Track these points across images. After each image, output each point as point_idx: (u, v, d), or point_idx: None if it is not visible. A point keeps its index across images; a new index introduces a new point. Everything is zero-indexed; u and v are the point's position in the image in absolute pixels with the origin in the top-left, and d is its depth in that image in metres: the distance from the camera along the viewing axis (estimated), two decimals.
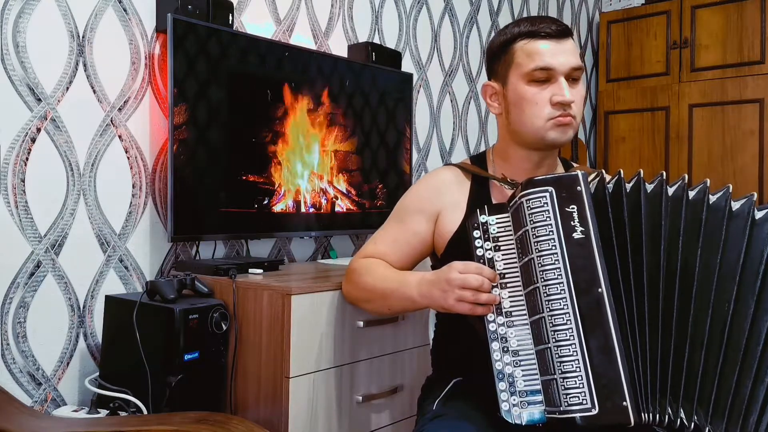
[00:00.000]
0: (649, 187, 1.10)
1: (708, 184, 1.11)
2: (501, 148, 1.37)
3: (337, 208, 2.21)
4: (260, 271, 1.78)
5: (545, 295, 1.06)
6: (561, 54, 1.24)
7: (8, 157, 1.59)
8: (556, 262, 1.06)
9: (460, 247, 1.24)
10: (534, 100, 1.25)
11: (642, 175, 1.10)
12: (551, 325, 1.05)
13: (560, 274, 1.05)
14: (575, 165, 1.43)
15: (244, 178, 1.92)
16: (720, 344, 1.06)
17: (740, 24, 3.30)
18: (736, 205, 1.09)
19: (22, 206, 1.61)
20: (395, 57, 2.49)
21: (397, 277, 1.30)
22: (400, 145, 2.45)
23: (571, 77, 1.25)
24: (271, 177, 1.99)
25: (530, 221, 1.08)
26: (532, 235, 1.08)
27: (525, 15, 3.35)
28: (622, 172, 1.11)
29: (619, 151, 3.70)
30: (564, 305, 1.05)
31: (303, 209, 2.09)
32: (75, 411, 1.54)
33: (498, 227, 1.14)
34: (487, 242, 1.14)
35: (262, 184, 1.97)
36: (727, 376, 1.05)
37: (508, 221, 1.14)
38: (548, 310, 1.06)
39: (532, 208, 1.08)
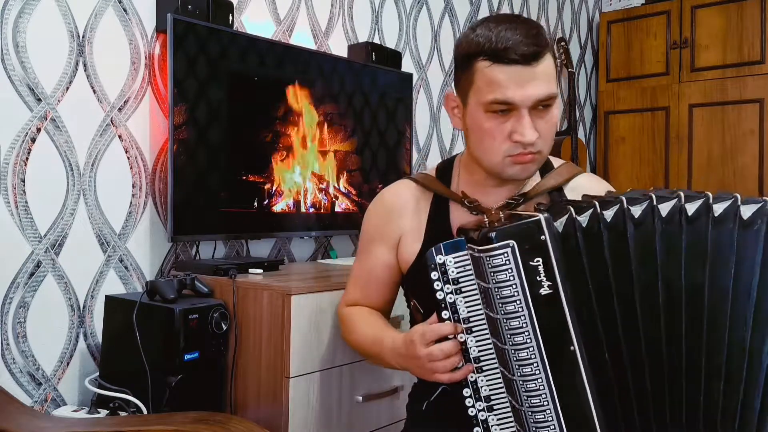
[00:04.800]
0: (636, 211, 0.97)
1: (711, 200, 0.98)
2: (467, 162, 1.25)
3: (337, 208, 2.21)
4: (260, 271, 1.78)
5: (515, 359, 0.99)
6: (527, 85, 1.06)
7: (8, 157, 1.59)
8: (524, 325, 0.98)
9: (419, 278, 1.15)
10: (491, 134, 1.10)
11: (625, 204, 0.98)
12: (524, 390, 1.00)
13: (529, 338, 0.98)
14: (553, 159, 1.30)
15: (244, 178, 1.92)
16: (740, 372, 0.97)
17: (740, 24, 3.30)
18: (746, 213, 0.97)
19: (22, 206, 1.61)
20: (395, 57, 2.49)
21: (375, 339, 1.23)
22: (400, 145, 2.45)
23: (541, 105, 1.09)
24: (271, 177, 1.99)
25: (493, 280, 0.98)
26: (496, 295, 0.98)
27: (525, 15, 3.35)
28: (598, 205, 0.98)
29: (619, 151, 3.70)
30: (535, 370, 0.98)
31: (303, 209, 2.09)
32: (75, 411, 1.54)
33: (457, 267, 1.04)
34: (447, 285, 1.05)
35: (262, 184, 1.97)
36: (750, 406, 0.98)
37: (468, 260, 1.04)
38: (519, 374, 0.99)
39: (494, 266, 0.97)
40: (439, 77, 2.86)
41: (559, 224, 0.98)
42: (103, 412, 1.51)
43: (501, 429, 1.05)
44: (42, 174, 1.64)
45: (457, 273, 1.04)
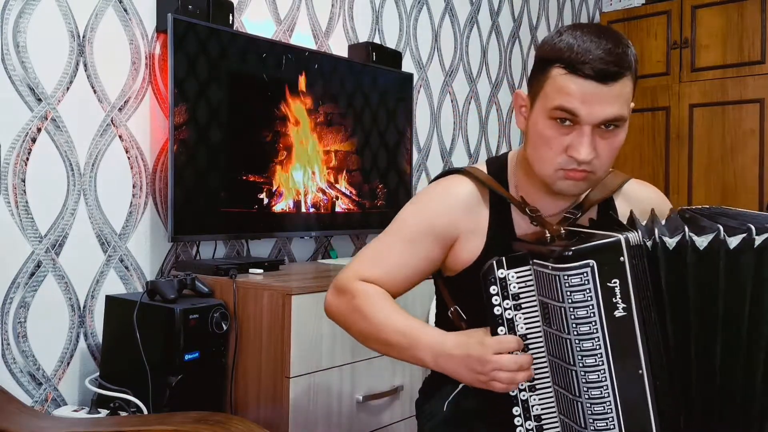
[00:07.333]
0: (732, 243, 0.93)
1: None
2: (523, 161, 1.19)
3: (337, 208, 2.21)
4: (260, 271, 1.78)
5: (584, 380, 0.97)
6: (596, 103, 1.02)
7: (8, 157, 1.59)
8: (598, 347, 0.96)
9: (470, 284, 1.12)
10: (549, 143, 1.06)
11: (722, 235, 0.93)
12: (590, 412, 0.97)
13: (601, 360, 0.96)
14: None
15: (244, 178, 1.92)
16: None
17: (740, 24, 3.30)
18: None
19: (23, 206, 1.61)
20: (395, 57, 2.49)
21: (406, 329, 1.11)
22: (401, 145, 2.45)
23: (606, 125, 1.06)
24: (272, 177, 1.99)
25: (569, 299, 0.95)
26: (571, 315, 0.96)
27: (525, 16, 3.35)
28: (687, 230, 0.95)
29: (618, 151, 3.69)
30: (604, 393, 0.96)
31: (303, 209, 2.09)
32: (75, 411, 1.55)
33: (518, 283, 1.02)
34: (507, 300, 1.02)
35: (262, 184, 1.97)
36: None
37: (530, 276, 1.02)
38: (587, 396, 0.97)
39: (571, 285, 0.95)
40: (439, 77, 2.86)
41: (650, 243, 0.96)
42: (104, 412, 1.51)
43: None
44: (42, 174, 1.64)
45: (519, 288, 1.02)
